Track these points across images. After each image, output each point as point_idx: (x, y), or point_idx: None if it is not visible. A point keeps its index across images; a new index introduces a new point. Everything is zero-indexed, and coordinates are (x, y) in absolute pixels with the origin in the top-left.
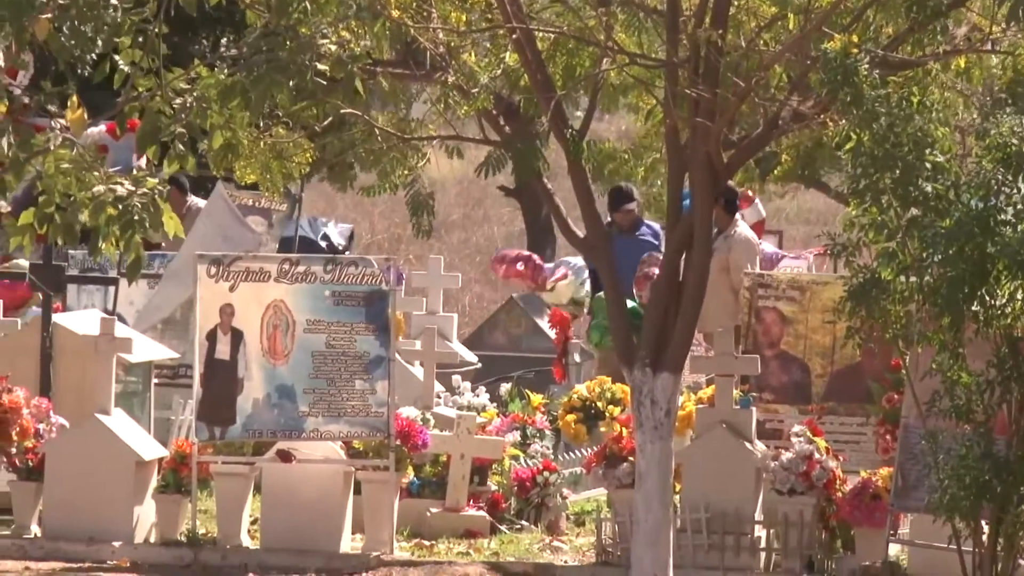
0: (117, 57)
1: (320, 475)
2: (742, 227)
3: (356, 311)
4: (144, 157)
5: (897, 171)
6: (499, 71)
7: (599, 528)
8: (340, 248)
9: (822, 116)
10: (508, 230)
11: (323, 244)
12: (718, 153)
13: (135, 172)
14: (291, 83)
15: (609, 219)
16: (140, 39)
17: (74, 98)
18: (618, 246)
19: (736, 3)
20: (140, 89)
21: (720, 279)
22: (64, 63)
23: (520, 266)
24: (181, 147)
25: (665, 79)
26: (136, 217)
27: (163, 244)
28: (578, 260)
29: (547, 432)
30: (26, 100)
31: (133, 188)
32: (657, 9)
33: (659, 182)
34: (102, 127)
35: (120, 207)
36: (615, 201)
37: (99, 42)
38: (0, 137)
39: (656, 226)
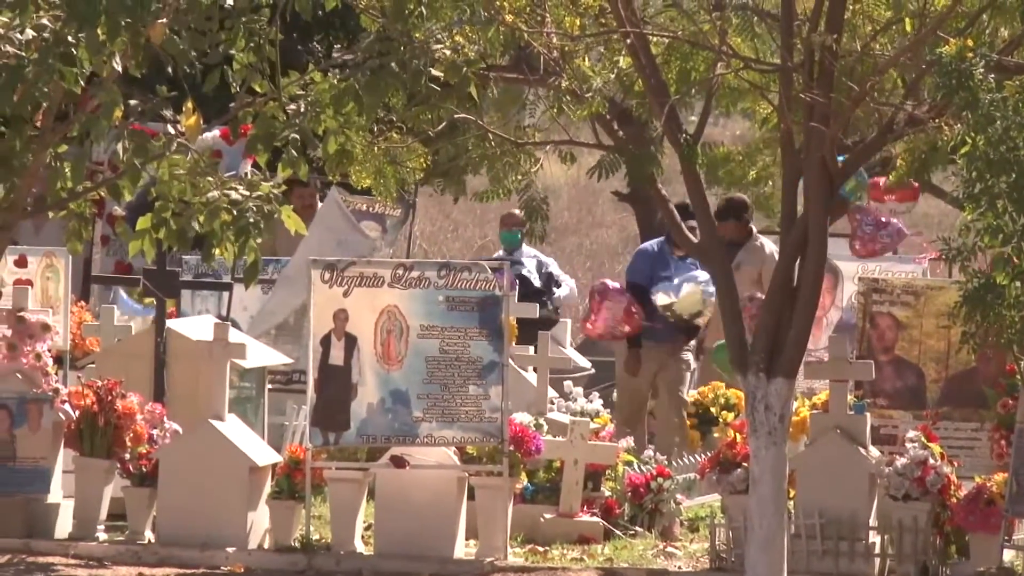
0: (228, 68)
1: (434, 481)
2: (763, 238)
3: (470, 316)
4: (251, 162)
5: (1013, 175)
6: (613, 75)
7: (713, 534)
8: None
9: (937, 120)
10: (622, 235)
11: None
12: (833, 158)
13: (246, 176)
14: (405, 88)
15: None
16: (254, 44)
17: (189, 104)
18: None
19: (851, 7)
20: (257, 92)
21: (754, 290)
22: (180, 68)
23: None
24: (294, 152)
25: (780, 83)
26: (252, 221)
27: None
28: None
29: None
30: (139, 104)
31: (248, 193)
32: (771, 13)
33: (769, 183)
34: (216, 132)
35: (235, 212)
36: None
37: (215, 47)
38: (116, 142)
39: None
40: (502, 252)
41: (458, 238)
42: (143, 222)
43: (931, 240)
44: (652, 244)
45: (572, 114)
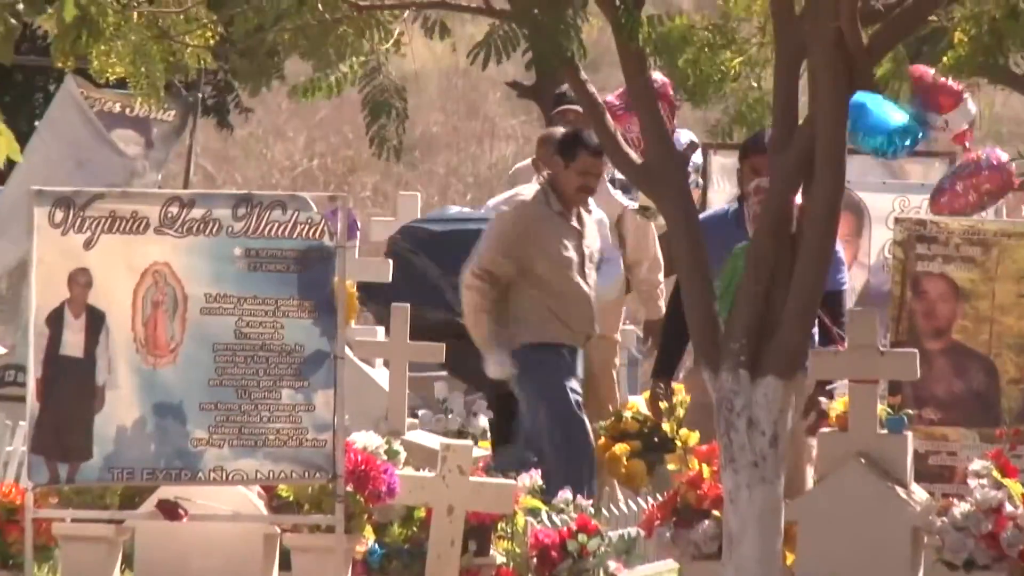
0: None
1: (226, 539)
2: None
3: (284, 280)
4: None
5: None
6: None
7: None
8: None
9: None
10: (520, 149)
11: None
12: (854, 30)
13: None
14: None
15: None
16: None
17: None
18: None
19: None
20: None
21: None
22: None
23: None
24: (1, 26)
25: None
26: None
27: None
28: None
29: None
30: None
31: None
32: None
33: (757, 82)
34: None
35: None
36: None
37: None
38: None
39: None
40: None
41: (263, 158)
42: None
43: (1011, 159)
44: (721, 210)
45: None
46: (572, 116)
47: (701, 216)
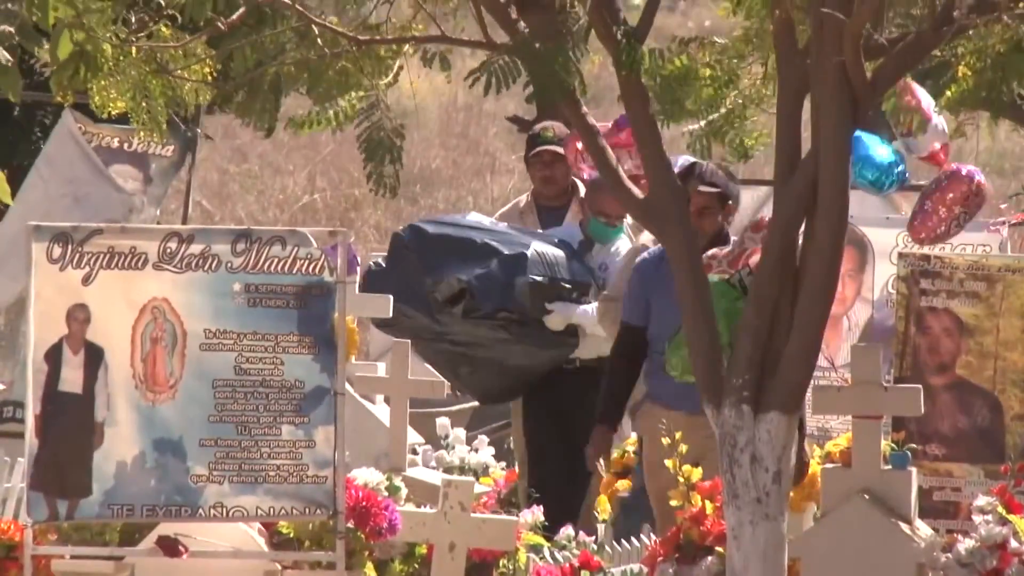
0: None
1: (227, 575)
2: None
3: (283, 316)
4: None
5: None
6: None
7: None
8: None
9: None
10: (520, 184)
11: None
12: (858, 64)
13: None
14: None
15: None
16: None
17: None
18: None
19: None
20: None
21: None
22: None
23: None
24: (6, 56)
25: None
26: None
27: None
28: None
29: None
30: None
31: None
32: None
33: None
34: None
35: None
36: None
37: None
38: None
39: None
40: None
41: (263, 194)
42: None
43: (1010, 196)
44: (650, 253)
45: None
46: (548, 157)
47: (641, 259)
